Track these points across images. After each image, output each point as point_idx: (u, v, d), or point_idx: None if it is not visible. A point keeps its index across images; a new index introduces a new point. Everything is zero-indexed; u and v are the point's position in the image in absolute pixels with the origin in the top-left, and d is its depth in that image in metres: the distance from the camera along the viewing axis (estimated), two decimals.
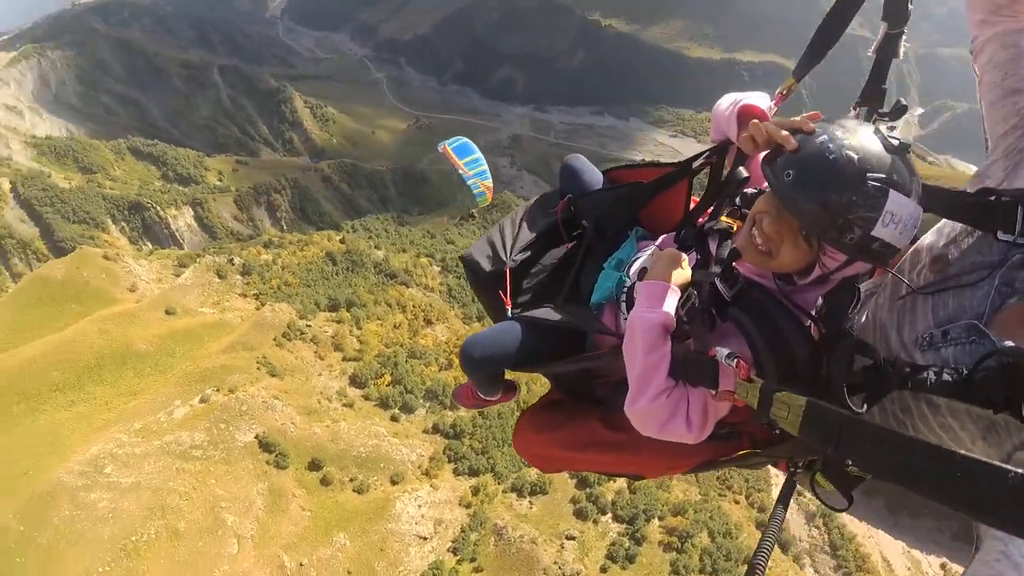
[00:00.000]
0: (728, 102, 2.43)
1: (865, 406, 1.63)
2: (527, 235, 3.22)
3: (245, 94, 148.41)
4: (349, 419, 43.94)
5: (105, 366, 45.74)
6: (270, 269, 60.94)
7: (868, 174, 1.65)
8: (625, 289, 2.67)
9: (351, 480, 39.85)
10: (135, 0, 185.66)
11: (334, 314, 54.38)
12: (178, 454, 38.51)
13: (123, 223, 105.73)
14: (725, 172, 2.54)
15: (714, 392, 1.89)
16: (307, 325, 51.81)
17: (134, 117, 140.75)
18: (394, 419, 45.32)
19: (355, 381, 48.30)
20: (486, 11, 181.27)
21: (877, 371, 1.64)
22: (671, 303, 2.10)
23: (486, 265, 3.17)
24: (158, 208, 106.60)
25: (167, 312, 51.77)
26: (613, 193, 3.13)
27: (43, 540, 33.41)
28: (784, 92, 2.61)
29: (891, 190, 1.64)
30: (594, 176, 3.30)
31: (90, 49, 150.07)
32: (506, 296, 3.07)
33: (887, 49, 2.30)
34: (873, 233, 1.66)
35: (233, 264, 60.61)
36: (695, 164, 2.74)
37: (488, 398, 3.51)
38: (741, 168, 2.29)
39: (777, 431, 1.78)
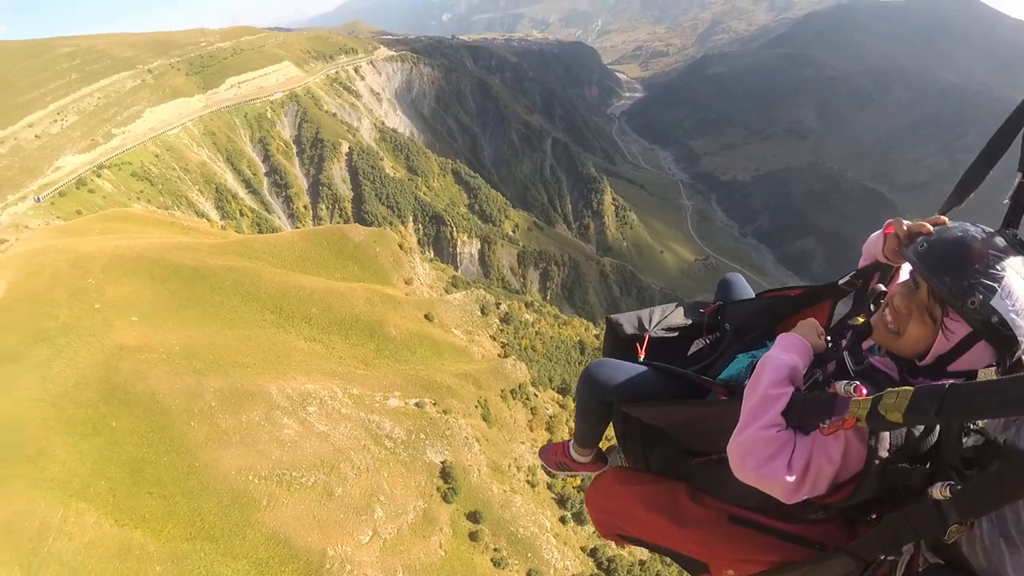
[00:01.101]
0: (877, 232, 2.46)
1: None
2: (673, 321, 3.21)
3: (565, 170, 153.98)
4: (525, 496, 42.95)
5: (355, 328, 47.54)
6: (526, 328, 62.72)
7: (992, 250, 1.78)
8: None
9: (495, 550, 38.74)
10: (505, 55, 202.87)
11: (561, 397, 54.40)
12: (373, 434, 39.05)
13: (420, 225, 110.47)
14: None
15: (825, 423, 1.85)
16: (534, 394, 51.83)
17: (467, 147, 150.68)
18: (563, 520, 43.95)
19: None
20: (809, 180, 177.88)
21: (987, 446, 1.76)
22: (803, 353, 2.17)
23: (628, 329, 3.15)
24: (454, 228, 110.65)
25: (426, 316, 52.97)
26: (759, 302, 3.18)
27: (222, 423, 34.98)
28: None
29: (1009, 268, 1.75)
30: (748, 292, 3.42)
31: (455, 78, 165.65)
32: (641, 349, 3.05)
33: (1021, 197, 2.18)
34: (992, 303, 1.72)
35: (498, 308, 62.17)
36: (840, 282, 2.72)
37: (578, 459, 3.42)
38: (880, 284, 2.42)
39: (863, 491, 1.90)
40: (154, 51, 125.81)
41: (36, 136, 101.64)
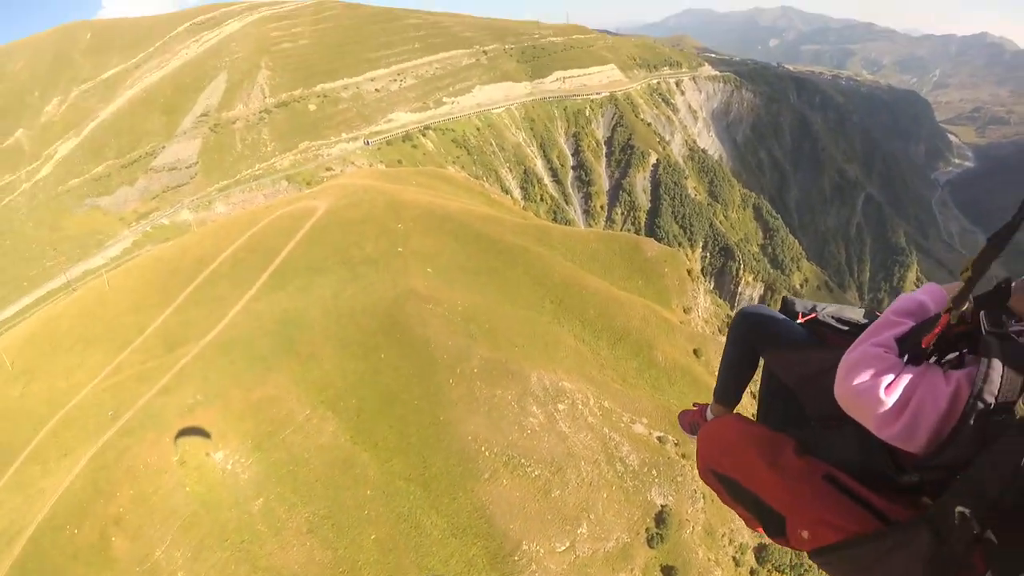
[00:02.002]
0: None
1: None
2: (848, 314, 2.92)
3: (872, 232, 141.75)
4: (726, 572, 40.40)
5: (624, 341, 47.17)
6: None
7: None
8: None
9: None
10: (831, 93, 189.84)
11: None
12: (608, 453, 38.66)
13: (708, 253, 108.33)
14: None
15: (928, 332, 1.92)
16: None
17: (773, 184, 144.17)
18: None
19: None
20: None
21: None
22: (936, 298, 2.16)
23: (799, 307, 3.02)
24: (742, 266, 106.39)
25: (694, 351, 50.90)
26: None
27: (477, 391, 37.73)
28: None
29: None
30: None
31: (776, 108, 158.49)
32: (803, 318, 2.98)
33: None
34: None
35: None
36: None
37: (716, 416, 3.42)
38: None
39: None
40: (492, 35, 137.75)
41: (376, 90, 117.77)
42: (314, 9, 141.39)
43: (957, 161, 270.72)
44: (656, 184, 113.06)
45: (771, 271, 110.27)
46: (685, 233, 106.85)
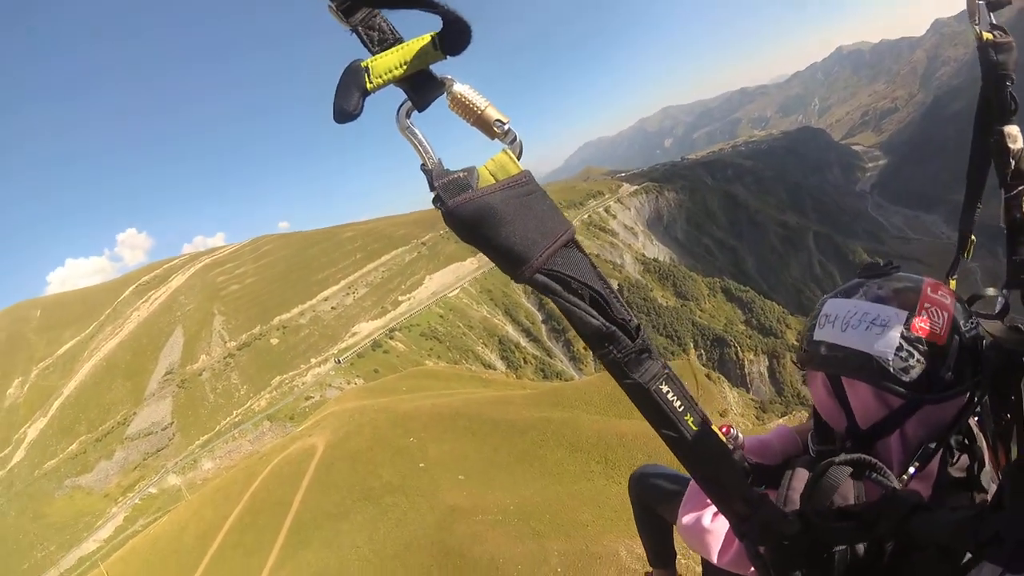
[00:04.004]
0: None
1: None
2: None
3: (835, 262, 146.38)
4: None
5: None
6: None
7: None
8: None
9: None
10: (738, 162, 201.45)
11: None
12: None
13: (703, 350, 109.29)
14: None
15: None
16: None
17: (729, 262, 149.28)
18: None
19: None
20: None
21: None
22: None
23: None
24: (738, 348, 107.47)
25: None
26: None
27: None
28: None
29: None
30: None
31: (699, 197, 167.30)
32: None
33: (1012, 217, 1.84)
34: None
35: None
36: None
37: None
38: None
39: None
40: (423, 226, 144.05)
41: (332, 308, 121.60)
42: (252, 248, 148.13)
43: (871, 165, 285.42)
44: (628, 307, 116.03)
45: (765, 340, 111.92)
46: (674, 341, 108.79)
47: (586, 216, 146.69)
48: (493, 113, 1.00)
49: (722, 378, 78.97)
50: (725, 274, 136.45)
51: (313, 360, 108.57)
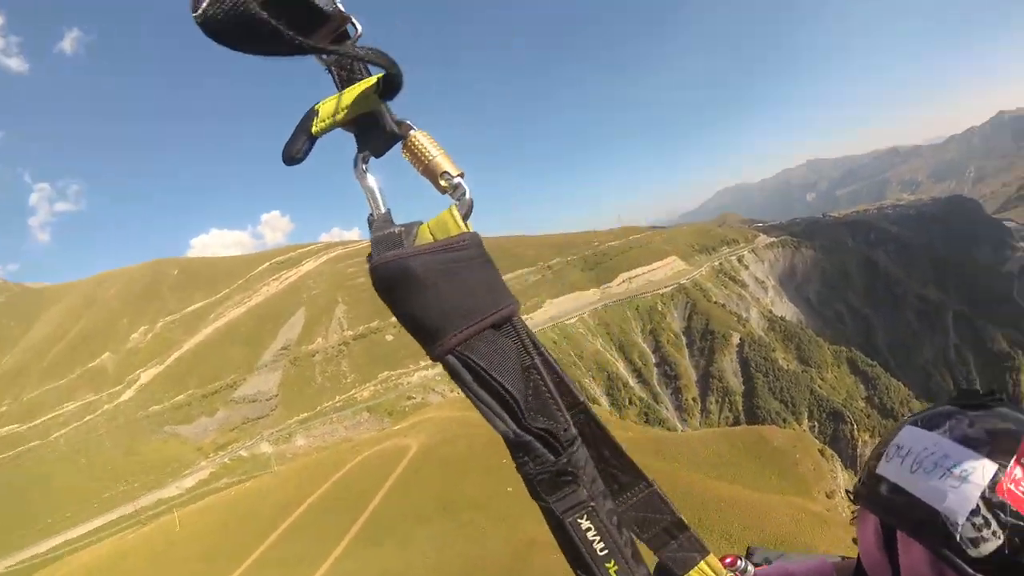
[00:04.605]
0: None
1: None
2: None
3: (971, 348, 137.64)
4: None
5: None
6: None
7: None
8: None
9: None
10: (883, 226, 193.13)
11: None
12: None
13: (816, 422, 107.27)
14: None
15: None
16: None
17: (858, 332, 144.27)
18: None
19: None
20: None
21: None
22: None
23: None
24: (855, 426, 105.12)
25: (853, 541, 44.81)
26: None
27: None
28: None
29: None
30: None
31: (837, 258, 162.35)
32: None
33: None
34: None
35: None
36: None
37: None
38: None
39: None
40: (552, 250, 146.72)
41: None
42: None
43: (1022, 244, 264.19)
44: (745, 364, 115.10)
45: (883, 422, 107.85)
46: (787, 407, 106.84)
47: (717, 263, 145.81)
48: (443, 164, 0.93)
49: (835, 456, 78.85)
50: (853, 344, 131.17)
51: (423, 363, 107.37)
